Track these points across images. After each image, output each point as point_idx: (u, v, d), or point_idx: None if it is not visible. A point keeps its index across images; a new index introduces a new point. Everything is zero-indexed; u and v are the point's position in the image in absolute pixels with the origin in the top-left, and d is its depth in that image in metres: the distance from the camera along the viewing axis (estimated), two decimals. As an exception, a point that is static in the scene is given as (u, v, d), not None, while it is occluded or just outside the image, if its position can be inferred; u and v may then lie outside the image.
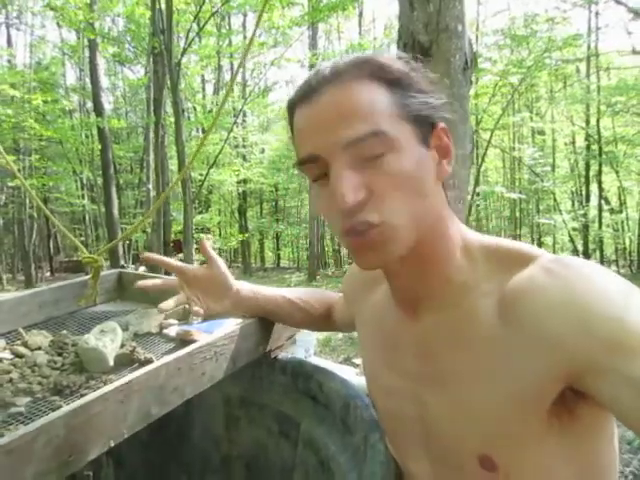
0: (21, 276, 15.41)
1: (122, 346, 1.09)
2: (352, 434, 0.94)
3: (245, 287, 1.05)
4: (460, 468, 0.68)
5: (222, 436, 1.25)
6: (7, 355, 1.01)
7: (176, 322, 1.28)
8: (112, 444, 0.71)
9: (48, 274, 17.78)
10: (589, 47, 13.27)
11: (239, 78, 17.24)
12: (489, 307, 0.63)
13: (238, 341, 1.04)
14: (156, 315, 1.30)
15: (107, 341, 1.05)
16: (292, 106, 0.68)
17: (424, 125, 0.65)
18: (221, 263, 1.03)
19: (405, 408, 0.74)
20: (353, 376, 0.94)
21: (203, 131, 14.21)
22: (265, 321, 1.11)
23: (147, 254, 1.09)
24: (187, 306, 1.33)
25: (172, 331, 1.20)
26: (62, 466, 0.63)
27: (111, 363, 1.01)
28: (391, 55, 0.68)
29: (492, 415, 0.62)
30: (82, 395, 0.87)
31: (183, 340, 1.13)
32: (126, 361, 1.04)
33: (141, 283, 1.07)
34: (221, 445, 1.25)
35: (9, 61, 14.64)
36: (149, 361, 1.02)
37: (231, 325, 1.10)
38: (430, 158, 0.65)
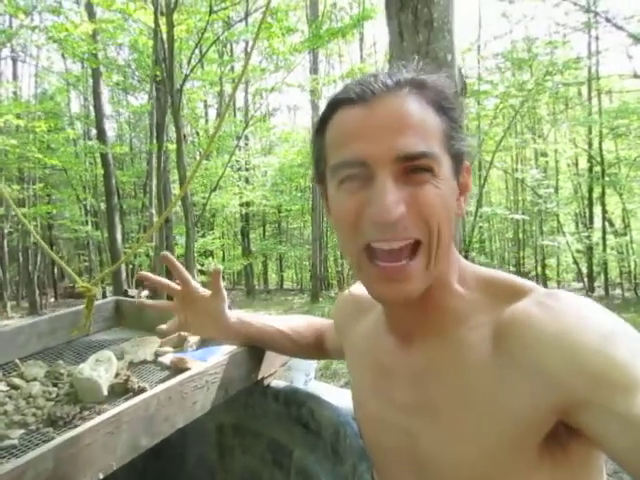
0: (25, 303, 15.41)
1: (117, 375, 1.11)
2: (342, 463, 0.94)
3: (236, 318, 1.04)
4: None
5: (216, 464, 1.25)
6: (3, 387, 1.03)
7: (171, 350, 1.29)
8: (101, 476, 0.72)
9: (52, 300, 17.77)
10: (590, 70, 13.40)
11: (241, 102, 17.47)
12: (483, 339, 0.63)
13: (230, 369, 1.05)
14: (151, 343, 1.32)
15: (101, 371, 1.06)
16: (336, 104, 0.66)
17: (458, 161, 0.66)
18: (225, 296, 1.02)
19: (395, 439, 0.73)
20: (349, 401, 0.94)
21: (206, 157, 14.34)
22: (257, 349, 1.12)
23: (142, 273, 1.08)
24: (182, 333, 1.35)
25: (167, 359, 1.21)
26: (50, 499, 0.64)
27: (105, 393, 1.02)
28: (443, 81, 0.67)
29: (484, 448, 0.62)
30: (76, 426, 0.88)
31: (177, 368, 1.14)
32: (120, 390, 1.05)
33: (140, 302, 1.11)
34: (216, 474, 1.25)
35: (14, 93, 14.89)
36: (143, 390, 1.03)
37: (224, 353, 1.11)
38: (455, 192, 0.67)
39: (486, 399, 0.61)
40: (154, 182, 10.24)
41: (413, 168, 0.61)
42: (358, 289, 0.90)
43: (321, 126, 0.69)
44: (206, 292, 1.02)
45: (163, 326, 1.02)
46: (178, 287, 1.03)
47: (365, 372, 0.81)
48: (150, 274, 1.06)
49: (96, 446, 0.70)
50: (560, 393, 0.55)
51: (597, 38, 13.42)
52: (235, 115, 17.00)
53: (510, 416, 0.59)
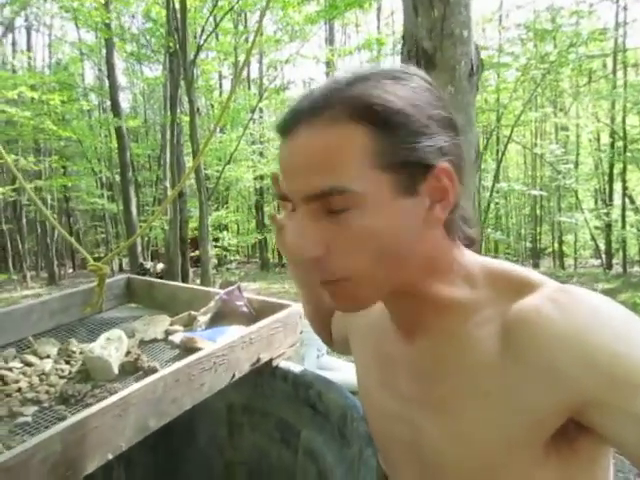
0: (44, 273, 15.71)
1: (127, 354, 1.12)
2: (349, 446, 0.95)
3: None
4: None
5: (225, 442, 1.28)
6: (17, 364, 1.05)
7: (181, 329, 1.30)
8: (110, 457, 0.73)
9: (70, 270, 18.11)
10: (616, 42, 12.98)
11: (255, 74, 17.29)
12: (490, 334, 0.61)
13: (238, 351, 1.05)
14: (162, 322, 1.33)
15: (112, 350, 1.08)
16: (279, 135, 0.64)
17: (413, 171, 0.58)
18: None
19: (398, 431, 0.73)
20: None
21: (220, 129, 14.29)
22: (266, 329, 1.12)
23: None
24: (192, 312, 1.36)
25: (177, 338, 1.23)
26: (59, 481, 0.65)
27: (116, 371, 1.04)
28: (389, 82, 0.58)
29: (489, 445, 0.61)
30: (87, 404, 0.90)
31: (187, 347, 1.16)
32: (131, 369, 1.07)
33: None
34: (224, 451, 1.28)
35: (29, 63, 14.90)
36: (153, 369, 1.04)
37: (232, 334, 1.12)
38: (415, 205, 0.59)
39: (492, 396, 0.60)
40: (168, 155, 10.26)
41: (327, 204, 0.57)
42: None
43: None
44: None
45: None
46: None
47: (370, 362, 0.80)
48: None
49: (104, 428, 0.72)
50: (572, 393, 0.54)
51: (625, 8, 12.97)
52: (249, 87, 16.84)
53: (517, 414, 0.58)
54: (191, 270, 10.42)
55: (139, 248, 11.12)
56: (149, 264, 11.82)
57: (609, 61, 14.29)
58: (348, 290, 0.61)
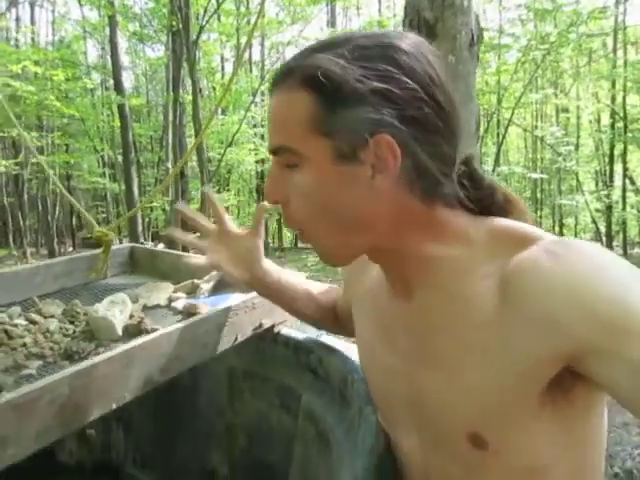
0: (44, 250, 15.74)
1: (131, 317, 1.14)
2: (349, 407, 0.97)
3: (272, 267, 1.00)
4: (450, 445, 0.68)
5: (226, 406, 1.30)
6: (22, 321, 1.06)
7: (184, 296, 1.32)
8: (114, 406, 0.75)
9: (71, 249, 18.13)
10: (616, 20, 12.79)
11: (257, 57, 17.14)
12: (488, 289, 0.62)
13: (241, 314, 1.07)
14: (165, 288, 1.35)
15: (116, 311, 1.10)
16: None
17: (351, 139, 0.61)
18: (262, 236, 0.99)
19: (397, 387, 0.75)
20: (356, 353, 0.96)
21: (222, 111, 14.21)
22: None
23: (179, 205, 1.09)
24: (196, 280, 1.37)
25: (180, 304, 1.24)
26: (65, 424, 0.67)
27: (119, 332, 1.06)
28: (349, 54, 0.60)
29: (485, 395, 0.62)
30: (91, 362, 0.91)
31: (190, 313, 1.17)
32: (134, 331, 1.09)
33: (172, 234, 1.05)
34: (225, 415, 1.30)
35: (32, 39, 14.79)
36: (155, 332, 1.06)
37: (236, 300, 1.14)
38: (355, 173, 0.62)
39: (488, 346, 0.61)
40: (170, 136, 10.22)
41: (282, 160, 0.66)
42: None
43: None
44: (240, 232, 0.99)
45: (191, 259, 1.05)
46: (212, 225, 1.01)
47: (370, 323, 0.81)
48: (186, 207, 1.05)
49: (110, 377, 0.73)
50: (569, 341, 0.55)
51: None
52: (251, 70, 16.70)
53: (514, 363, 0.59)
54: (191, 251, 10.44)
55: (139, 228, 11.11)
56: (149, 244, 11.83)
57: (609, 40, 14.09)
58: (311, 241, 0.70)
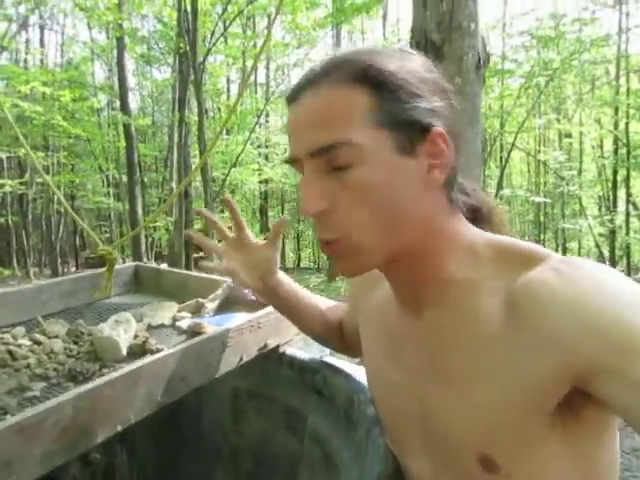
0: (48, 270, 15.76)
1: (136, 337, 1.13)
2: (356, 429, 0.95)
3: (285, 279, 1.00)
4: (461, 467, 0.67)
5: (231, 428, 1.28)
6: (26, 342, 1.06)
7: (189, 315, 1.31)
8: (119, 428, 0.74)
9: (74, 269, 18.15)
10: (619, 48, 12.98)
11: (262, 79, 17.37)
12: (495, 306, 0.62)
13: (246, 334, 1.06)
14: (170, 308, 1.34)
15: (121, 331, 1.09)
16: (286, 104, 0.69)
17: (411, 132, 0.61)
18: (278, 248, 0.99)
19: (406, 405, 0.74)
20: (362, 374, 0.95)
21: (226, 132, 14.35)
22: (274, 315, 1.13)
23: (199, 209, 1.06)
24: (200, 300, 1.36)
25: (184, 324, 1.23)
26: (70, 447, 0.66)
27: (124, 352, 1.05)
28: (387, 53, 0.63)
29: (494, 414, 0.61)
30: (95, 382, 0.90)
31: (194, 333, 1.16)
32: (139, 351, 1.07)
33: (188, 234, 1.05)
34: (230, 437, 1.28)
35: (41, 60, 15.04)
36: (160, 352, 1.05)
37: (241, 319, 1.13)
38: (414, 167, 0.62)
39: (497, 366, 0.61)
40: (175, 156, 10.30)
41: (332, 161, 0.61)
42: None
43: None
44: (257, 242, 0.98)
45: (209, 263, 1.00)
46: (229, 233, 1.00)
47: (378, 340, 0.81)
48: (205, 210, 1.02)
49: (115, 398, 0.72)
50: (576, 359, 0.54)
51: (627, 14, 12.96)
52: (256, 92, 16.91)
53: (523, 384, 0.58)
54: (195, 270, 10.44)
55: (143, 248, 11.13)
56: (153, 264, 11.84)
57: (612, 67, 14.27)
58: (349, 250, 0.63)
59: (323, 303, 1.05)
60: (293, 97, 0.65)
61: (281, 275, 0.99)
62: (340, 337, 1.03)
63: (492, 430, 0.62)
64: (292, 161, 0.66)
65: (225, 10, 9.67)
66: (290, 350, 1.20)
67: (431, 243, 0.66)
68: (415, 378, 0.72)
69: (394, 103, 0.60)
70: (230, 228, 1.00)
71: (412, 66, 0.63)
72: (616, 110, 13.49)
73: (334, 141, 0.59)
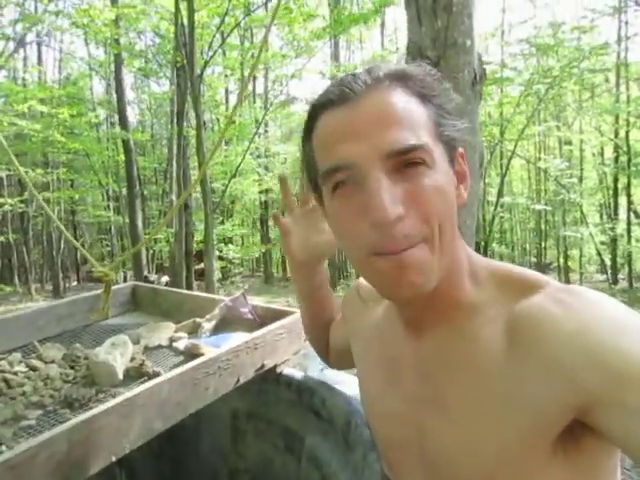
0: (49, 285, 15.75)
1: (132, 359, 1.13)
2: (353, 451, 0.95)
3: (323, 271, 1.00)
4: None
5: (230, 450, 1.27)
6: (22, 368, 1.05)
7: (186, 335, 1.30)
8: (114, 459, 0.73)
9: (75, 283, 18.15)
10: (618, 56, 13.03)
11: (261, 89, 17.44)
12: (495, 333, 0.61)
13: (243, 356, 1.06)
14: (167, 328, 1.34)
15: (117, 355, 1.08)
16: (318, 109, 0.63)
17: (451, 148, 0.63)
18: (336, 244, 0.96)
19: (403, 433, 0.72)
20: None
21: (226, 142, 14.39)
22: (270, 335, 1.12)
23: (283, 176, 0.99)
24: (197, 319, 1.36)
25: (181, 344, 1.23)
26: None
27: (120, 377, 1.04)
28: (424, 69, 0.64)
29: (494, 443, 0.61)
30: (91, 409, 0.89)
31: (191, 354, 1.16)
32: (135, 374, 1.07)
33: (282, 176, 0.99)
34: (228, 458, 1.27)
35: (39, 77, 15.12)
36: (157, 374, 1.04)
37: (237, 340, 1.12)
38: (454, 182, 0.64)
39: (498, 394, 0.60)
40: (174, 168, 10.32)
41: (406, 163, 0.57)
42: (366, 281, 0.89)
43: (306, 133, 0.66)
44: (324, 224, 0.94)
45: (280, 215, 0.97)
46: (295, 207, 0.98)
47: (373, 364, 0.80)
48: (287, 181, 0.99)
49: (109, 429, 0.72)
50: (578, 391, 0.53)
51: (627, 23, 13.04)
52: (255, 102, 16.98)
53: (523, 413, 0.58)
54: (195, 283, 10.42)
55: (144, 260, 11.14)
56: (153, 276, 11.85)
57: (611, 75, 14.33)
58: (417, 259, 0.58)
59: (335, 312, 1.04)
60: (348, 96, 0.60)
61: (322, 267, 0.99)
62: (325, 349, 1.03)
63: (490, 459, 0.62)
64: (345, 167, 0.59)
65: (222, 22, 9.71)
66: (287, 370, 1.20)
67: (455, 264, 0.65)
68: (414, 405, 0.71)
69: (445, 120, 0.62)
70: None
71: (446, 86, 0.65)
72: (616, 118, 13.54)
73: (417, 142, 0.57)
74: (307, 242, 0.95)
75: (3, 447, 0.71)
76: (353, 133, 0.58)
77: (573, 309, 0.56)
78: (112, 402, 0.74)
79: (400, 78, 0.61)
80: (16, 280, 14.66)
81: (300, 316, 1.05)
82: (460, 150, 0.65)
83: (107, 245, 19.38)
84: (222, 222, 15.86)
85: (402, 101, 0.59)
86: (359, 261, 0.63)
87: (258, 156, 16.31)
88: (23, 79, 14.93)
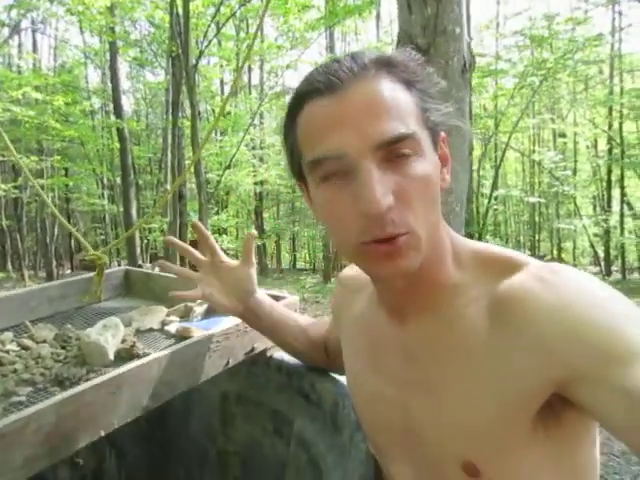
0: (42, 272, 15.72)
1: (123, 341, 1.14)
2: (340, 433, 0.96)
3: (264, 298, 1.00)
4: (443, 473, 0.68)
5: (218, 432, 1.28)
6: (14, 347, 1.06)
7: (177, 319, 1.31)
8: (102, 433, 0.74)
9: (69, 271, 18.09)
10: (612, 48, 13.03)
11: (256, 80, 17.36)
12: (477, 312, 0.63)
13: (233, 338, 1.07)
14: (158, 312, 1.34)
15: (108, 336, 1.09)
16: (303, 96, 0.62)
17: (435, 133, 0.64)
18: (254, 264, 0.98)
19: (389, 414, 0.74)
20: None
21: (221, 133, 14.34)
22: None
23: (169, 238, 1.02)
24: (189, 304, 1.37)
25: (172, 328, 1.24)
26: (52, 452, 0.66)
27: (111, 357, 1.05)
28: (419, 60, 0.65)
29: (477, 420, 0.62)
30: (82, 388, 0.91)
31: (182, 337, 1.17)
32: (126, 356, 1.08)
33: (164, 265, 1.02)
34: (217, 440, 1.28)
35: (34, 64, 15.02)
36: (147, 356, 1.06)
37: (228, 323, 1.13)
38: (439, 167, 0.65)
39: (483, 372, 0.61)
40: (169, 158, 10.29)
41: (396, 153, 0.58)
42: (350, 271, 0.89)
43: (290, 121, 0.65)
44: (232, 263, 0.98)
45: (182, 292, 0.95)
46: (203, 257, 0.99)
47: (361, 349, 0.81)
48: (176, 240, 1.02)
49: (98, 404, 0.73)
50: (558, 365, 0.55)
51: (620, 14, 13.05)
52: (250, 92, 16.91)
53: (505, 389, 0.59)
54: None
55: (138, 250, 11.11)
56: (147, 266, 11.83)
57: (605, 67, 14.34)
58: (411, 244, 0.60)
59: (304, 320, 1.05)
60: (335, 85, 0.59)
61: (260, 294, 0.99)
62: (324, 353, 1.04)
63: (474, 436, 0.63)
64: (335, 157, 0.59)
65: (217, 12, 9.66)
66: (277, 354, 1.21)
67: (437, 247, 0.67)
68: (398, 386, 0.72)
69: (429, 105, 0.63)
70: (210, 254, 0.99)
71: (428, 71, 0.66)
72: (610, 110, 13.56)
73: (407, 131, 0.58)
74: (229, 287, 0.96)
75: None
76: (342, 123, 0.58)
77: (554, 286, 0.58)
78: (100, 379, 0.76)
79: (385, 65, 0.61)
80: (9, 267, 14.61)
81: (285, 344, 1.05)
82: (442, 134, 0.66)
83: (101, 234, 19.32)
84: (217, 212, 15.83)
85: (389, 89, 0.59)
86: (348, 247, 0.63)
87: (253, 147, 16.24)
88: (18, 66, 14.80)
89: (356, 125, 0.57)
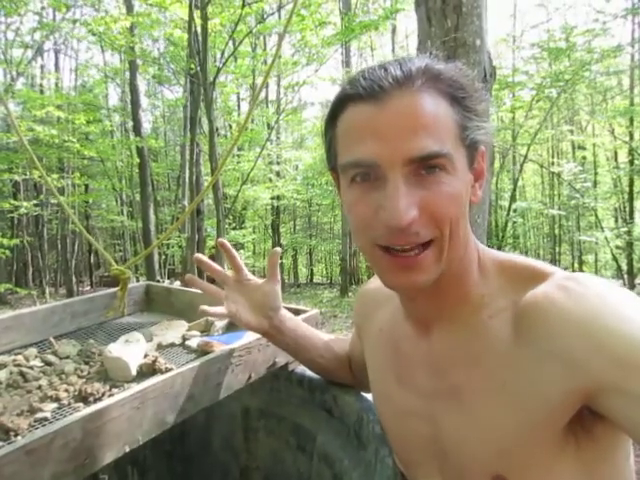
0: (63, 289, 15.92)
1: (145, 356, 1.14)
2: (365, 448, 0.95)
3: (288, 315, 1.00)
4: None
5: (241, 447, 1.27)
6: (38, 363, 1.07)
7: (198, 334, 1.31)
8: (127, 449, 0.74)
9: (88, 288, 18.33)
10: (632, 58, 12.92)
11: (273, 95, 17.54)
12: (503, 323, 0.62)
13: (255, 353, 1.06)
14: (179, 327, 1.35)
15: (130, 351, 1.09)
16: (346, 99, 0.63)
17: (473, 149, 0.64)
18: (279, 281, 0.98)
19: (418, 427, 0.73)
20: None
21: (239, 148, 14.48)
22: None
23: (198, 256, 1.00)
24: (210, 318, 1.37)
25: (193, 342, 1.24)
26: (78, 468, 0.66)
27: (134, 372, 1.05)
28: (459, 69, 0.64)
29: (507, 433, 0.61)
30: (105, 403, 0.91)
31: (203, 351, 1.16)
32: (148, 371, 1.08)
33: (192, 279, 1.01)
34: (240, 456, 1.27)
35: (56, 84, 15.37)
36: (170, 371, 1.05)
37: (249, 337, 1.13)
38: (470, 183, 0.65)
39: (508, 384, 0.61)
40: (187, 174, 10.41)
41: (426, 168, 0.59)
42: (374, 283, 0.89)
43: (330, 119, 0.67)
44: (257, 280, 0.98)
45: (209, 308, 0.93)
46: (229, 274, 0.99)
47: (386, 363, 0.80)
48: (205, 258, 1.00)
49: (123, 419, 0.73)
50: (586, 378, 0.54)
51: (640, 25, 12.93)
52: (267, 107, 17.08)
53: (534, 401, 0.59)
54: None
55: (156, 266, 11.21)
56: (166, 282, 11.94)
57: (625, 78, 14.21)
58: (428, 258, 0.61)
59: (328, 337, 1.05)
60: (377, 93, 0.59)
61: (284, 312, 0.99)
62: (348, 369, 1.03)
63: (505, 449, 0.62)
64: (366, 165, 0.60)
65: (235, 30, 9.80)
66: (299, 368, 1.20)
67: (460, 263, 0.67)
68: (427, 399, 0.71)
69: (470, 124, 0.62)
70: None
71: (477, 86, 0.65)
72: (631, 121, 13.40)
73: (440, 150, 0.58)
74: (254, 304, 0.96)
75: (19, 437, 0.72)
76: (377, 133, 0.59)
77: (578, 296, 0.57)
78: (125, 394, 0.75)
79: (432, 77, 0.61)
80: (30, 283, 14.83)
81: (310, 361, 1.04)
82: (482, 149, 0.65)
83: (120, 250, 19.55)
84: (234, 228, 15.93)
85: (430, 104, 0.59)
86: (367, 250, 0.65)
87: (270, 162, 16.37)
88: (40, 85, 15.17)
89: (391, 137, 0.58)
